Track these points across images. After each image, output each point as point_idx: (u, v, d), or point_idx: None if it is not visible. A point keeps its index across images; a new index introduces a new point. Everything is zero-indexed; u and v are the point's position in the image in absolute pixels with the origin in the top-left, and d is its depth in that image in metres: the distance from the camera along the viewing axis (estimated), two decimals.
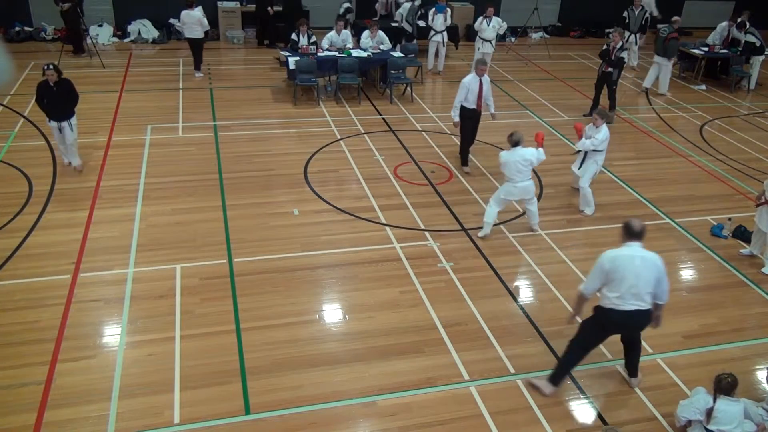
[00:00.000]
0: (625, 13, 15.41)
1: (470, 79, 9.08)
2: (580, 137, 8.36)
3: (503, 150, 7.72)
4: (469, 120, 9.36)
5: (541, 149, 7.58)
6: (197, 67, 13.58)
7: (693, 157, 10.73)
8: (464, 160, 9.68)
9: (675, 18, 13.63)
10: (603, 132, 8.14)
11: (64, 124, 8.61)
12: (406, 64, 12.92)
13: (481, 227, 7.95)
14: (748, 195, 9.39)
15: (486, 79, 9.21)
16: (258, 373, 5.58)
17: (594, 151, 8.26)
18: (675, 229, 8.38)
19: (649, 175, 9.90)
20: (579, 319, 5.55)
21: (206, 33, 13.48)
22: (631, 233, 5.13)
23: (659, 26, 13.95)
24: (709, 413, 4.86)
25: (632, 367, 5.67)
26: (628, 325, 5.28)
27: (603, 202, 8.92)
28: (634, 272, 5.00)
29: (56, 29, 15.39)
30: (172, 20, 16.21)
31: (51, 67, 8.35)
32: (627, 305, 5.04)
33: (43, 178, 8.73)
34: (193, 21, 13.02)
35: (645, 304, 5.09)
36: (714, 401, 4.87)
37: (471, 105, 9.19)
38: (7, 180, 8.66)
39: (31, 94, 11.75)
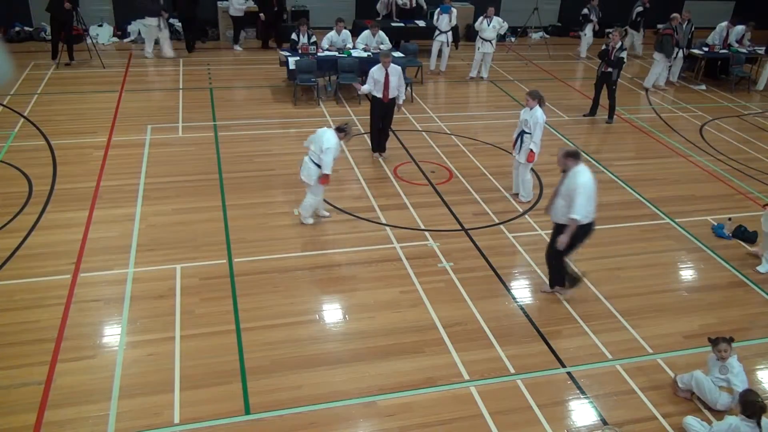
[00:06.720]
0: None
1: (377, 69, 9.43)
2: None
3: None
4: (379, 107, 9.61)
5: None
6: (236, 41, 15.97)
7: (693, 157, 10.73)
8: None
9: (674, 15, 13.58)
10: (539, 114, 8.19)
11: None
12: (406, 64, 12.91)
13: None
14: (748, 195, 9.40)
15: (393, 69, 9.38)
16: (258, 373, 5.58)
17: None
18: (675, 229, 8.38)
19: (649, 175, 9.90)
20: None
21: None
22: (578, 156, 6.31)
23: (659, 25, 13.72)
24: None
25: None
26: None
27: (603, 202, 8.89)
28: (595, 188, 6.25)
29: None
30: (171, 20, 16.21)
31: None
32: (594, 214, 6.30)
33: (43, 178, 8.72)
34: (241, 4, 15.32)
35: None
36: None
37: (378, 94, 9.48)
38: (7, 180, 8.66)
39: (30, 94, 11.82)
